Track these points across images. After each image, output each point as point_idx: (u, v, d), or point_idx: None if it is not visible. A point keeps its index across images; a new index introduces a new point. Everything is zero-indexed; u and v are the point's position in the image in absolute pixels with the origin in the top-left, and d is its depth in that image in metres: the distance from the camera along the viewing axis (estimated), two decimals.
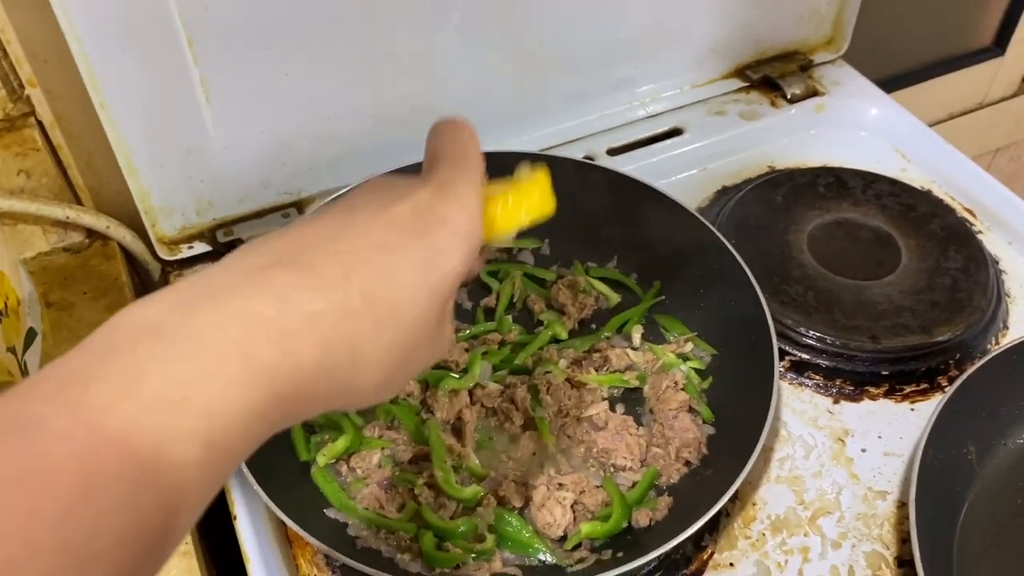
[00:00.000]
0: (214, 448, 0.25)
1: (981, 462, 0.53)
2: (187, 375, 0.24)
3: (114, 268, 0.63)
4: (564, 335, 0.61)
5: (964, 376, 0.52)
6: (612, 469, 0.54)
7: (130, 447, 0.23)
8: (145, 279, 0.67)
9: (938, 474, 0.51)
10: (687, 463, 0.54)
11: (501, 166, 0.66)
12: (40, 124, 0.59)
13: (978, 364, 0.53)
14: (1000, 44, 1.05)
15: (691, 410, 0.57)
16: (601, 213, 0.65)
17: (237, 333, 0.26)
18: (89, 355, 0.25)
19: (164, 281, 0.68)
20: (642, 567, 0.50)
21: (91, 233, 0.65)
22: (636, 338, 0.61)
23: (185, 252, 0.68)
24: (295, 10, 0.61)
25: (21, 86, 0.58)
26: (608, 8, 0.72)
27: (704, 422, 0.56)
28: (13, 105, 0.58)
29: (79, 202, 0.64)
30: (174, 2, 0.56)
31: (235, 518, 0.54)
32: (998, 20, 1.02)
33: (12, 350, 0.49)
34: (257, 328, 0.26)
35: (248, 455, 0.27)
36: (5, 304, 0.49)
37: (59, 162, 0.61)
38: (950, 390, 0.52)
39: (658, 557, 0.49)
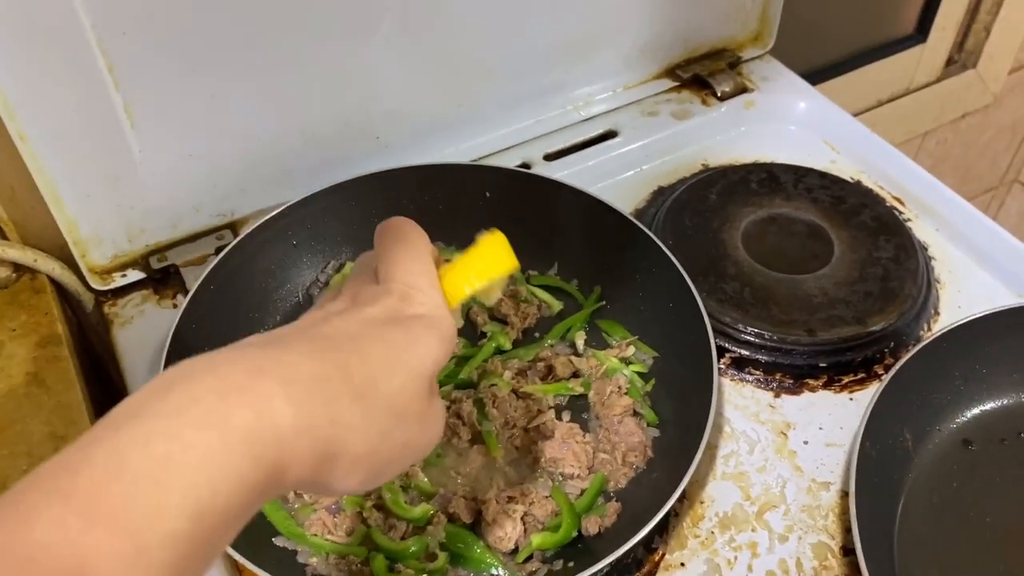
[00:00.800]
0: (202, 521, 0.25)
1: (917, 448, 0.54)
2: (168, 451, 0.25)
3: (44, 302, 0.61)
4: (508, 345, 0.61)
5: (897, 366, 0.53)
6: (561, 478, 0.54)
7: (120, 528, 0.24)
8: (78, 311, 0.66)
9: (877, 463, 0.52)
10: (634, 467, 0.55)
11: (440, 178, 0.67)
12: None
13: (910, 353, 0.54)
14: (922, 31, 1.07)
15: (635, 414, 0.57)
16: (539, 221, 0.65)
17: (212, 401, 0.27)
18: (77, 446, 0.25)
19: (99, 312, 0.66)
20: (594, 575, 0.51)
21: (18, 267, 0.63)
22: (580, 344, 0.61)
23: (119, 281, 0.66)
24: (216, 34, 0.60)
25: None
26: (535, 13, 0.72)
27: (648, 425, 0.57)
28: None
29: (3, 236, 0.62)
30: (90, 29, 0.55)
31: None
32: (919, 7, 1.05)
33: None
34: (231, 394, 0.27)
35: (239, 526, 0.27)
36: None
37: None
38: (885, 379, 0.53)
39: (609, 564, 0.50)
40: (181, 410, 0.26)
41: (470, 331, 0.63)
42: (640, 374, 0.59)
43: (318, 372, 0.30)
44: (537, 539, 0.50)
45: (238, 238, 0.61)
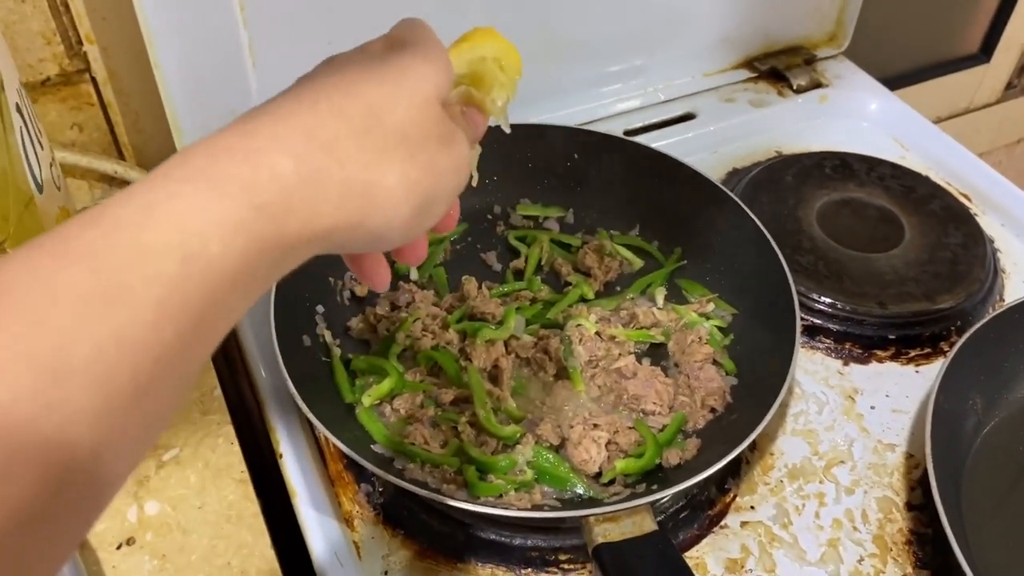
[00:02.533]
0: (194, 264, 0.24)
1: (986, 413, 0.57)
2: (150, 200, 0.25)
3: None
4: (591, 295, 0.64)
5: (970, 331, 0.56)
6: (642, 414, 0.57)
7: (99, 266, 0.23)
8: None
9: (948, 422, 0.54)
10: (712, 410, 0.57)
11: (536, 136, 0.70)
12: (94, 80, 0.61)
13: (983, 320, 0.57)
14: (986, 51, 1.10)
15: (715, 363, 0.60)
16: (624, 184, 0.69)
17: (200, 160, 0.26)
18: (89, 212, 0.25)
19: None
20: (672, 501, 0.53)
21: None
22: (659, 299, 0.64)
23: None
24: None
25: (79, 42, 0.60)
26: (626, 1, 0.76)
27: (727, 374, 0.59)
28: (70, 61, 0.60)
29: (121, 157, 0.66)
30: None
31: (280, 456, 0.56)
32: (985, 28, 1.08)
33: None
34: (221, 153, 0.27)
35: (255, 287, 0.27)
36: None
37: (108, 119, 0.63)
38: (959, 342, 0.55)
39: (686, 491, 0.53)
40: (168, 171, 0.26)
41: (554, 281, 0.66)
42: (719, 328, 0.62)
43: (311, 122, 0.29)
44: (621, 464, 0.53)
45: None
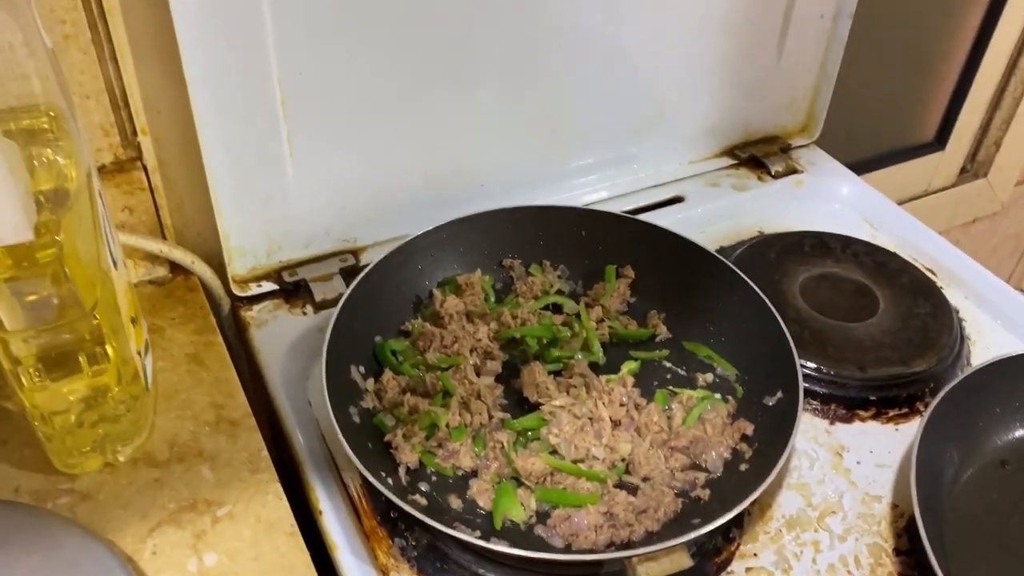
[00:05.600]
0: None
1: (962, 465, 0.63)
2: None
3: (198, 299, 0.70)
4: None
5: (943, 392, 0.62)
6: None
7: None
8: (216, 313, 0.74)
9: (929, 473, 0.60)
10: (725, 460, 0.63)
11: (543, 218, 0.77)
12: (144, 168, 0.67)
13: (953, 383, 0.63)
14: (941, 140, 1.21)
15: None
16: (626, 257, 0.76)
17: None
18: None
19: (233, 315, 0.75)
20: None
21: (174, 269, 0.72)
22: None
23: (254, 289, 0.75)
24: (370, 85, 0.71)
25: (134, 133, 0.66)
26: (621, 95, 0.85)
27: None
28: (123, 151, 0.66)
29: (165, 239, 0.72)
30: (275, 66, 0.66)
31: (320, 513, 0.60)
32: (940, 118, 1.18)
33: (139, 352, 0.56)
34: None
35: None
36: (135, 314, 0.57)
37: (155, 202, 0.69)
38: (933, 403, 0.62)
39: (698, 540, 0.58)
40: None
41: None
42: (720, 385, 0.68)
43: None
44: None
45: (383, 255, 0.70)
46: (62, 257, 0.46)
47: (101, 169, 0.67)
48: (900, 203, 1.23)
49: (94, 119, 0.64)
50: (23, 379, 0.50)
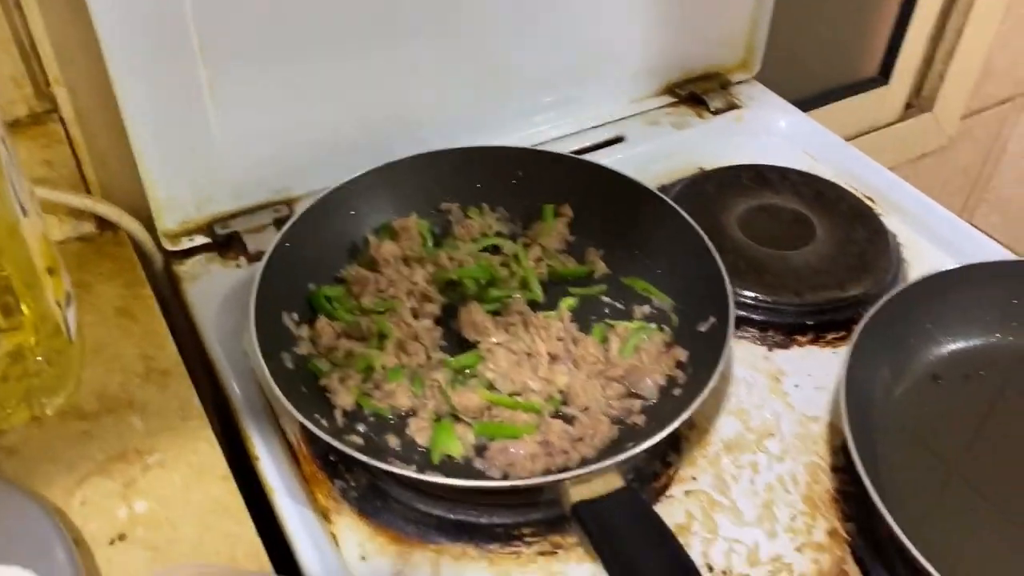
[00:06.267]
0: None
1: (894, 381, 0.64)
2: None
3: (126, 253, 0.69)
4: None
5: (877, 306, 0.63)
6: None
7: None
8: (147, 268, 0.73)
9: (860, 391, 0.61)
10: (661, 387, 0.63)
11: (480, 159, 0.76)
12: (62, 120, 0.66)
13: (887, 296, 0.64)
14: (884, 74, 1.21)
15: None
16: (566, 196, 0.75)
17: None
18: None
19: (166, 270, 0.74)
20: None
21: (101, 224, 0.71)
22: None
23: (186, 244, 0.74)
24: (294, 30, 0.69)
25: (47, 84, 0.64)
26: (558, 38, 0.84)
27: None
28: (38, 102, 0.65)
29: (90, 194, 0.70)
30: (191, 9, 0.64)
31: (256, 459, 0.60)
32: (882, 52, 1.18)
33: (59, 303, 0.55)
34: None
35: None
36: (52, 265, 0.55)
37: (76, 156, 0.67)
38: (867, 316, 0.62)
39: (636, 464, 0.58)
40: None
41: None
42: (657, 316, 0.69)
43: None
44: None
45: (311, 203, 0.69)
46: None
47: (16, 123, 0.65)
48: (847, 140, 1.24)
49: (4, 70, 0.62)
50: None
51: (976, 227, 1.52)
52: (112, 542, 0.51)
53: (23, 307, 0.51)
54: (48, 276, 0.54)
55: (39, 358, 0.54)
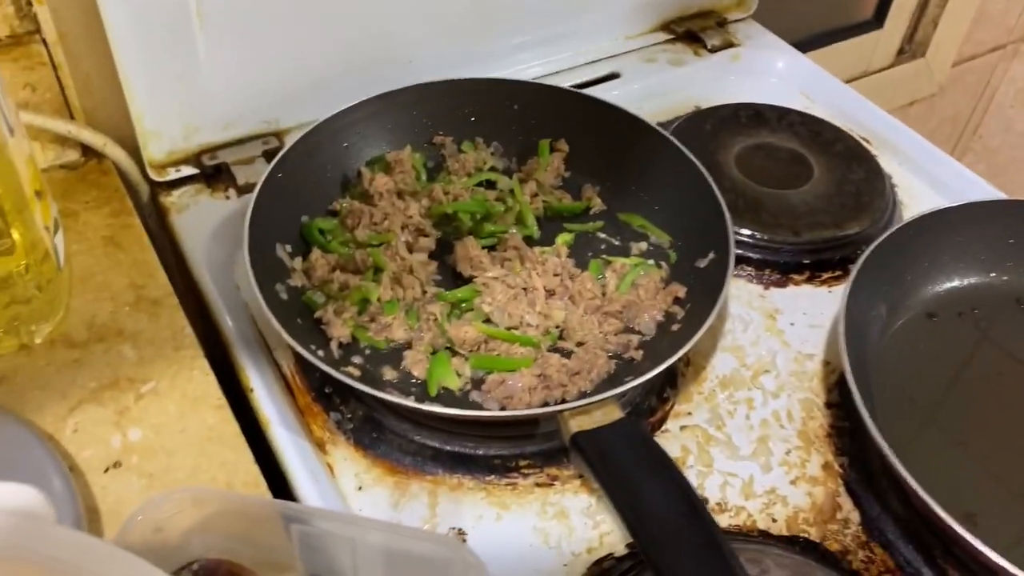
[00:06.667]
0: None
1: (890, 318, 0.64)
2: None
3: (112, 182, 0.67)
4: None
5: (870, 248, 0.63)
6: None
7: None
8: (134, 199, 0.71)
9: (858, 327, 0.61)
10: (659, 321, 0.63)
11: (474, 90, 0.74)
12: (44, 41, 0.63)
13: (879, 240, 0.63)
14: (879, 19, 1.20)
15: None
16: (561, 130, 0.74)
17: None
18: None
19: (153, 200, 0.72)
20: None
21: (86, 152, 0.69)
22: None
23: (173, 174, 0.72)
24: None
25: (29, 3, 0.62)
26: None
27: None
28: (19, 22, 0.62)
29: (74, 120, 0.68)
30: None
31: (251, 391, 0.59)
32: None
33: (47, 228, 0.54)
34: None
35: None
36: (39, 188, 0.54)
37: (59, 80, 0.65)
38: (864, 254, 0.62)
39: (632, 399, 0.58)
40: None
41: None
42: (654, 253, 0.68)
43: None
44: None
45: (302, 134, 0.67)
46: None
47: None
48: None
49: None
50: None
51: None
52: (107, 470, 0.50)
53: (13, 232, 0.50)
54: (36, 200, 0.53)
55: (32, 284, 0.52)
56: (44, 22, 0.63)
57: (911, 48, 1.28)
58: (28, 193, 0.52)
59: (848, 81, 1.22)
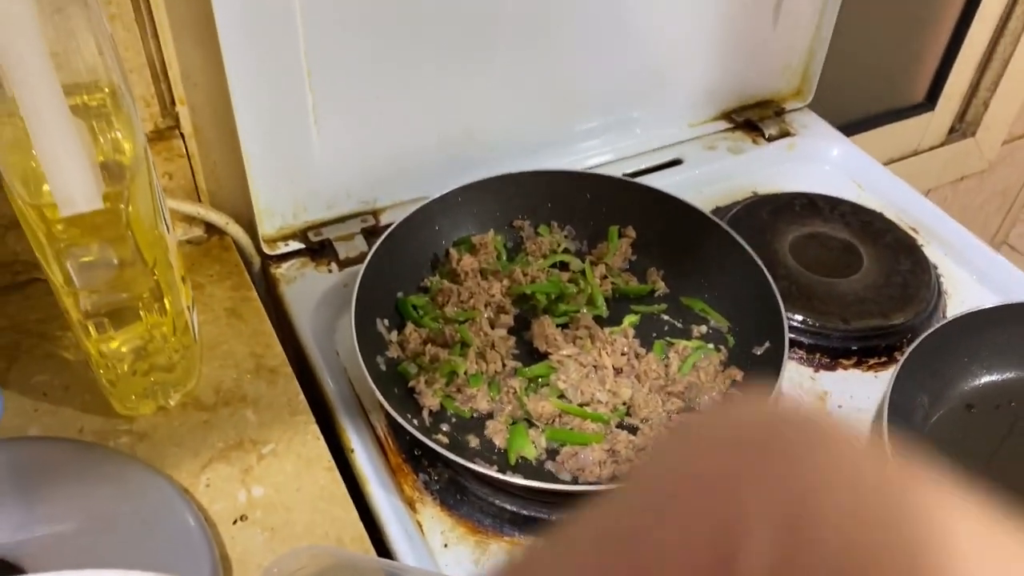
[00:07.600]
0: None
1: (931, 408, 0.69)
2: None
3: (232, 258, 0.76)
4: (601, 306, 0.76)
5: (918, 340, 0.69)
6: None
7: None
8: (248, 271, 0.80)
9: (901, 415, 0.67)
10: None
11: (552, 181, 0.82)
12: (182, 135, 0.72)
13: (928, 331, 0.69)
14: (931, 100, 1.25)
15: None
16: (628, 219, 0.81)
17: None
18: None
19: (264, 272, 0.81)
20: None
21: (209, 229, 0.78)
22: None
23: (282, 248, 0.81)
24: (386, 57, 0.76)
25: (173, 104, 0.71)
26: (624, 62, 0.89)
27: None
28: (163, 119, 0.72)
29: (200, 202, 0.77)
30: (302, 40, 0.71)
31: (351, 451, 0.67)
32: (930, 79, 1.23)
33: (188, 307, 0.62)
34: None
35: None
36: (183, 274, 0.62)
37: (191, 168, 0.74)
38: (908, 350, 0.68)
39: None
40: None
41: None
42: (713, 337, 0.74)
43: None
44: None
45: (400, 220, 0.75)
46: (129, 223, 0.52)
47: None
48: (891, 162, 1.29)
49: (137, 91, 0.69)
50: (91, 330, 0.56)
51: (1011, 246, 1.57)
52: (235, 522, 0.58)
53: (166, 307, 0.58)
54: (182, 283, 0.61)
55: (175, 353, 0.61)
56: (183, 119, 0.72)
57: (962, 127, 1.34)
58: (177, 277, 0.60)
59: (901, 159, 1.28)
